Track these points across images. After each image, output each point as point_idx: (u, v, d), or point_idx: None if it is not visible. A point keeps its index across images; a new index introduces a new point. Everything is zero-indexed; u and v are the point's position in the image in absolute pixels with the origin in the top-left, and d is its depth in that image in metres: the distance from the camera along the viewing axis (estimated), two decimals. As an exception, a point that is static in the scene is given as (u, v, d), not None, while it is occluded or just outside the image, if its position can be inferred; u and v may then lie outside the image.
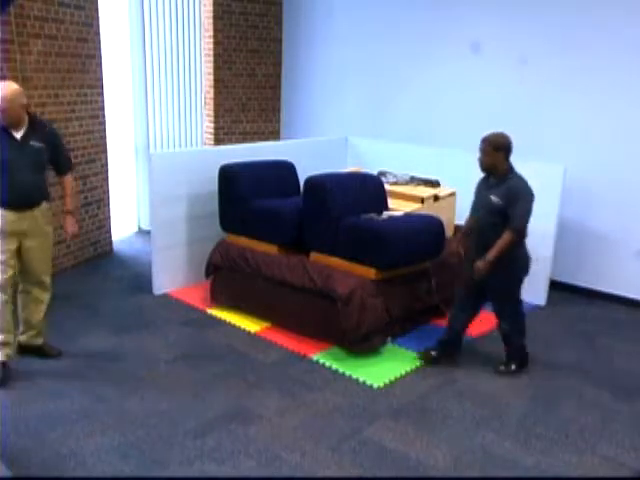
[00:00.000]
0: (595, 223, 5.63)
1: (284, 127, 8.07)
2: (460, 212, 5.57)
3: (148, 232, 6.32)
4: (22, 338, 4.19)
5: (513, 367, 4.27)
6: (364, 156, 6.71)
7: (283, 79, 7.97)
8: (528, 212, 3.92)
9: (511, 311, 4.20)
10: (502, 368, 4.27)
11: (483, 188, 4.13)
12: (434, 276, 4.85)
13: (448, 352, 4.39)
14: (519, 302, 4.23)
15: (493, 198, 3.96)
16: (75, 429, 3.45)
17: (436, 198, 5.32)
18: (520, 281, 4.18)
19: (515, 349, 4.28)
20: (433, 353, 4.38)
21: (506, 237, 3.89)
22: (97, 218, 6.43)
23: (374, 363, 4.37)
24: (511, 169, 4.01)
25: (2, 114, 3.75)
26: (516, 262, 4.05)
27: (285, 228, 4.86)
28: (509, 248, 3.91)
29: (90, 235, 6.32)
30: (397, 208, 5.03)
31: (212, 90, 7.37)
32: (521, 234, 3.98)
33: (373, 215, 4.69)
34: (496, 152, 3.96)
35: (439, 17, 6.39)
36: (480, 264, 3.94)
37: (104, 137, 6.48)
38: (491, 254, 3.90)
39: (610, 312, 5.41)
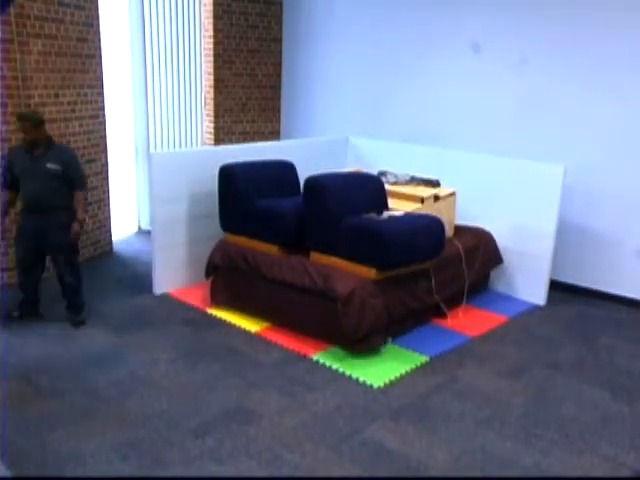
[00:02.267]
0: (595, 223, 5.63)
1: (284, 127, 8.08)
2: (460, 212, 5.59)
3: (148, 232, 6.33)
4: None
5: (83, 316, 4.83)
6: (364, 156, 6.71)
7: (283, 79, 7.97)
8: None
9: (78, 265, 4.84)
10: (79, 318, 4.79)
11: (27, 160, 4.52)
12: (434, 276, 4.85)
13: (30, 311, 4.86)
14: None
15: (50, 165, 4.50)
16: (75, 429, 3.45)
17: (436, 198, 5.32)
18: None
19: (82, 301, 4.87)
20: (15, 314, 4.81)
21: (81, 196, 4.62)
22: (97, 218, 6.43)
23: (374, 363, 4.37)
24: (51, 137, 4.64)
25: None
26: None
27: (285, 228, 4.86)
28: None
29: (90, 235, 6.31)
30: (397, 208, 5.03)
31: (212, 90, 7.37)
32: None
33: (373, 215, 4.69)
34: (40, 127, 4.49)
35: (439, 17, 6.39)
36: (77, 227, 4.57)
37: (104, 137, 6.49)
38: (82, 215, 4.64)
39: (610, 312, 5.41)
